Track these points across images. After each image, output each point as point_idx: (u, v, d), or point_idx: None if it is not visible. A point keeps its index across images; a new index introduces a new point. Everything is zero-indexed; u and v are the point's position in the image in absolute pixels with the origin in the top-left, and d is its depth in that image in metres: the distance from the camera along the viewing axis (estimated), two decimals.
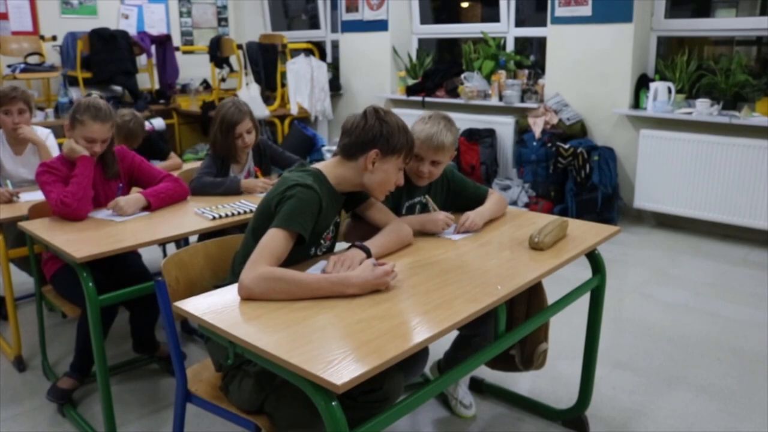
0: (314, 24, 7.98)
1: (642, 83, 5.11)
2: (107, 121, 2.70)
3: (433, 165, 2.33)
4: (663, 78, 5.02)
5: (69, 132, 2.71)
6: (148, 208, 2.74)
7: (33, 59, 6.37)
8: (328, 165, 2.03)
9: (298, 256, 1.91)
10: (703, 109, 4.69)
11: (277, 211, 1.84)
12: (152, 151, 3.85)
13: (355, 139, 1.98)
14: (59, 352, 3.12)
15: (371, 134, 1.96)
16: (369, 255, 1.93)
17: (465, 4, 7.16)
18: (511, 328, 2.03)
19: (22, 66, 6.22)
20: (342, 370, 1.35)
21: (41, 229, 2.53)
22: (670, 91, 4.87)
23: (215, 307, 1.68)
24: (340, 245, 2.23)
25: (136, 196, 2.73)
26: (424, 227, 2.30)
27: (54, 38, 6.64)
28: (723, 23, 5.21)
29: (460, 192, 2.55)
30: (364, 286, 1.75)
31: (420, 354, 2.09)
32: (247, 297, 1.70)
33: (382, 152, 1.97)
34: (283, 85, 6.84)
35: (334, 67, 7.42)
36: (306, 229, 1.85)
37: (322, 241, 2.06)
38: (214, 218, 2.62)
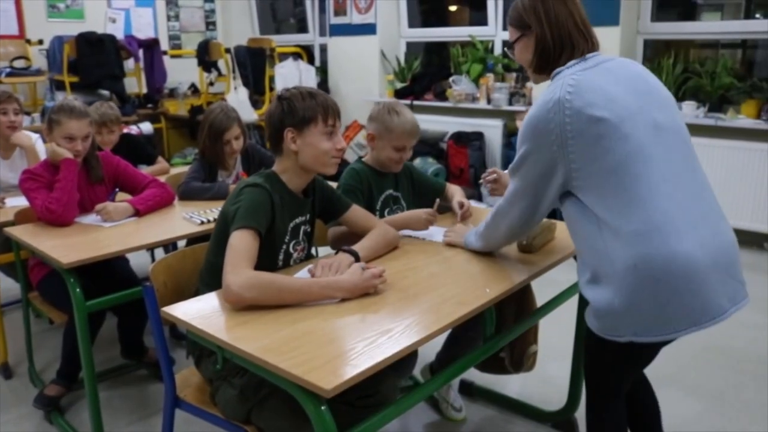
0: (302, 28, 7.97)
1: None
2: (83, 117, 2.70)
3: (410, 150, 2.45)
4: None
5: (48, 135, 2.72)
6: (137, 214, 2.73)
7: (19, 63, 6.33)
8: (276, 165, 2.00)
9: (265, 262, 1.84)
10: (690, 111, 4.72)
11: (233, 216, 1.81)
12: (139, 156, 3.83)
13: (269, 130, 1.95)
14: (46, 359, 3.09)
15: (277, 117, 1.91)
16: (357, 259, 1.93)
17: (453, 8, 7.19)
18: (500, 330, 2.03)
19: (8, 70, 6.17)
20: (331, 374, 1.35)
21: (27, 234, 2.51)
22: None
23: (203, 312, 1.68)
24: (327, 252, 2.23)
25: (124, 204, 2.72)
26: (407, 225, 2.31)
27: (40, 42, 6.60)
28: (708, 26, 5.26)
29: (422, 182, 2.64)
30: (353, 290, 1.74)
31: (408, 355, 2.09)
32: (236, 303, 1.67)
33: (295, 128, 1.90)
34: (272, 89, 6.83)
35: (323, 71, 7.41)
36: (261, 226, 1.82)
37: (292, 251, 2.01)
38: (202, 223, 2.61)
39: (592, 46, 1.74)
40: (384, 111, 2.40)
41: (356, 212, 2.18)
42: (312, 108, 1.89)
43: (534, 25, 1.74)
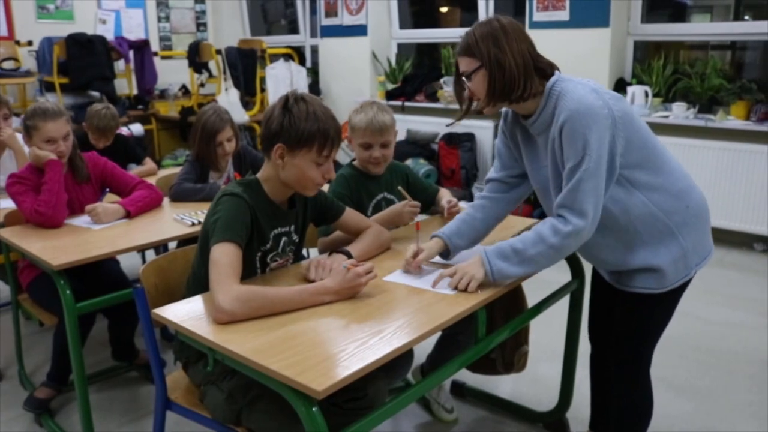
0: (293, 29, 7.96)
1: (619, 87, 5.16)
2: (59, 117, 2.69)
3: (383, 148, 2.37)
4: (640, 82, 5.08)
5: (29, 142, 2.71)
6: (127, 216, 2.73)
7: (8, 64, 6.29)
8: (262, 170, 1.93)
9: (245, 272, 1.79)
10: (680, 112, 4.75)
11: (213, 229, 1.77)
12: (128, 156, 3.83)
13: (264, 132, 1.86)
14: (36, 362, 3.08)
15: (274, 126, 1.81)
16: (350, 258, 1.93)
17: (444, 9, 7.20)
18: (491, 331, 2.03)
19: None
20: (322, 375, 1.35)
21: (17, 236, 2.50)
22: (647, 94, 4.92)
23: (194, 313, 1.67)
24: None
25: (114, 206, 2.71)
26: (392, 222, 2.31)
27: (30, 43, 6.57)
28: (698, 28, 5.28)
29: (417, 186, 2.59)
30: (339, 291, 1.73)
31: (404, 357, 2.09)
32: (230, 321, 1.61)
33: (287, 146, 1.80)
34: (263, 90, 6.82)
35: (314, 72, 7.41)
36: (241, 237, 1.77)
37: (269, 261, 1.96)
38: (193, 224, 2.60)
39: (553, 67, 1.84)
40: (353, 111, 2.38)
41: (349, 216, 2.16)
42: (310, 134, 1.78)
43: (495, 55, 1.76)
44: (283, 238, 1.98)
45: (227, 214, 1.78)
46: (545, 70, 1.81)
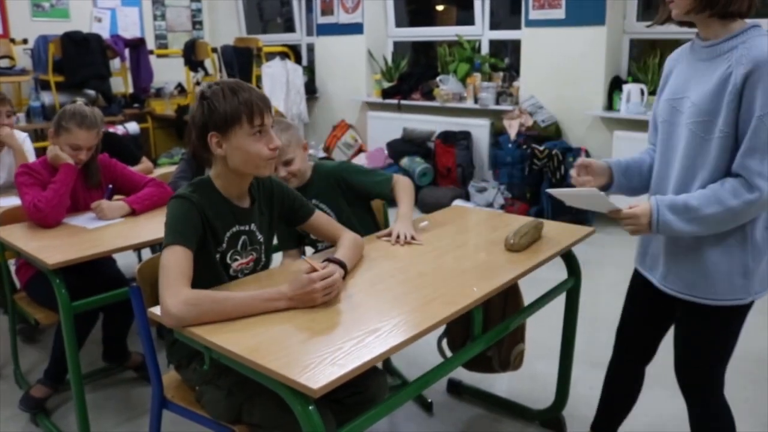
0: (289, 27, 7.96)
1: (615, 85, 5.17)
2: (93, 128, 2.67)
3: (286, 165, 2.35)
4: (636, 80, 5.09)
5: (53, 139, 2.68)
6: (132, 214, 2.72)
7: (3, 62, 6.28)
8: (212, 169, 1.90)
9: (205, 276, 1.76)
10: None
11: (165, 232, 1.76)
12: (123, 156, 3.81)
13: (195, 132, 1.82)
14: (32, 361, 3.07)
15: (198, 120, 1.78)
16: (345, 269, 1.86)
17: (440, 8, 7.20)
18: (487, 329, 2.03)
19: None
20: (318, 374, 1.35)
21: (13, 235, 2.49)
22: (642, 92, 4.93)
23: None
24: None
25: (119, 203, 2.71)
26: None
27: (25, 41, 6.55)
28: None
29: (365, 184, 2.49)
30: (294, 298, 1.67)
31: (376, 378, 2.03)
32: (178, 326, 1.59)
33: (219, 132, 1.77)
34: (259, 88, 6.80)
35: (310, 71, 7.41)
36: (189, 239, 1.72)
37: (230, 262, 1.89)
38: None
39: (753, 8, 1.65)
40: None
41: (320, 219, 2.11)
42: (234, 108, 1.74)
43: None
44: (243, 237, 1.92)
45: (173, 217, 1.76)
46: (743, 7, 1.63)
